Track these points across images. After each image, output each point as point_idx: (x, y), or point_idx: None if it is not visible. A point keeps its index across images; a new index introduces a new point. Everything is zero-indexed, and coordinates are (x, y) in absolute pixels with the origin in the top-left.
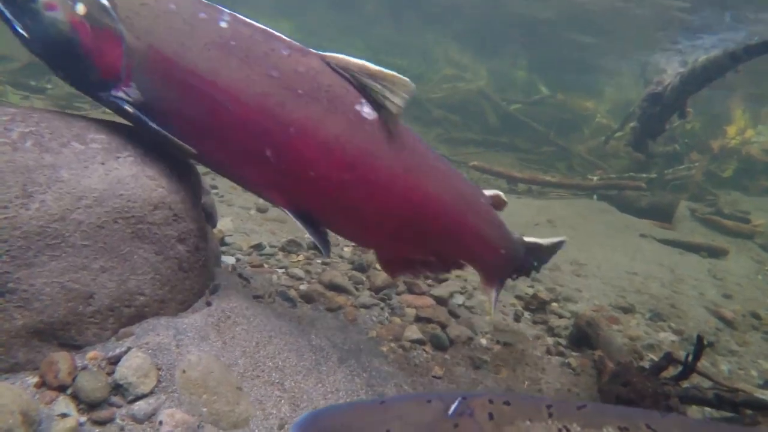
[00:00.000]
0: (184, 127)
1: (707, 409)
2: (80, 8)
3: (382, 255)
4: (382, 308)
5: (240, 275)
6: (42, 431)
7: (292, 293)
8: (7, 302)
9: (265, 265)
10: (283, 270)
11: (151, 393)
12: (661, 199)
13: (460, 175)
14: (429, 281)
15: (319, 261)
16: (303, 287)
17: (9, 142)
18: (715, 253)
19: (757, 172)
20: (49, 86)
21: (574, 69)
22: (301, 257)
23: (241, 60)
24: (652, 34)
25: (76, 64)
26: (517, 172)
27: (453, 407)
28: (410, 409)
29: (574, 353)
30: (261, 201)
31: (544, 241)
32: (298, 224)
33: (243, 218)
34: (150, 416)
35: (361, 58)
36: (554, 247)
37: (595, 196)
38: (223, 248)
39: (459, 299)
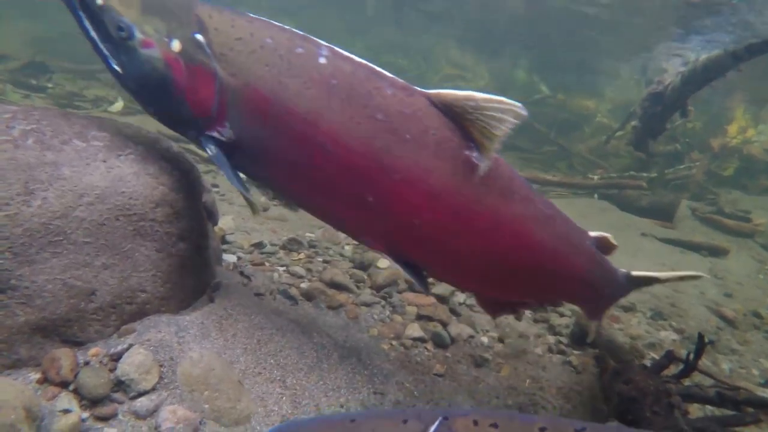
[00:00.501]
0: (278, 169)
1: (708, 407)
2: (175, 45)
3: (483, 298)
4: (383, 306)
5: (241, 273)
6: (44, 427)
7: (294, 291)
8: (9, 299)
9: (267, 264)
10: (284, 268)
11: (153, 389)
12: (662, 198)
13: (565, 219)
14: (430, 279)
15: (320, 259)
16: (304, 285)
17: (10, 139)
18: (716, 252)
19: (758, 172)
20: (49, 85)
21: (574, 69)
22: (302, 255)
23: (343, 100)
24: (655, 33)
25: (168, 101)
26: (518, 172)
27: (432, 429)
28: (383, 430)
29: (575, 352)
30: (263, 198)
31: (662, 275)
32: (397, 266)
33: (244, 217)
34: (152, 412)
35: (363, 58)
36: (680, 280)
37: (596, 195)
38: (225, 246)
39: (460, 297)
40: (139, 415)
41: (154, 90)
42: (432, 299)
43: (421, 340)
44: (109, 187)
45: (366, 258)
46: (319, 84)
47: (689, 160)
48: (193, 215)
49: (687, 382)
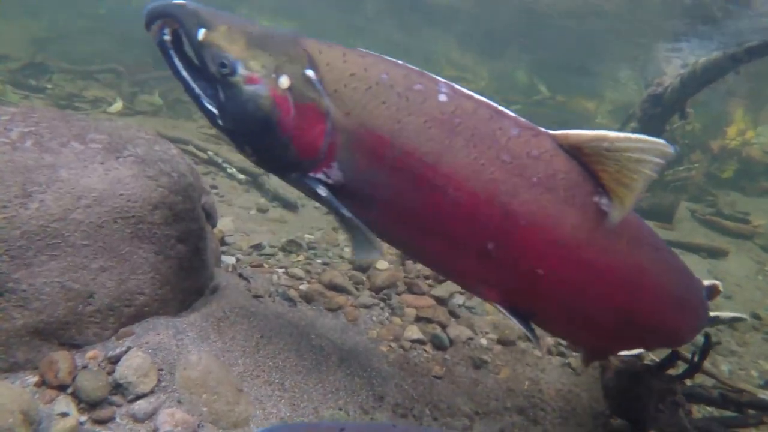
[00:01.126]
0: (388, 213)
1: (708, 408)
2: (284, 81)
3: (593, 351)
4: (382, 308)
5: (240, 275)
6: (42, 430)
7: (292, 293)
8: (6, 302)
9: (265, 265)
10: (283, 270)
11: (151, 392)
12: (661, 199)
13: (686, 268)
14: (429, 281)
15: (319, 261)
16: (303, 287)
17: (9, 141)
18: (715, 253)
19: (757, 174)
20: (49, 86)
21: (574, 70)
22: (301, 257)
23: (467, 141)
24: (656, 33)
25: (271, 142)
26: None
27: None
28: None
29: (574, 353)
30: (262, 200)
31: (724, 315)
32: (509, 316)
33: (243, 218)
34: (150, 415)
35: None
36: (732, 320)
37: None
38: (224, 248)
39: (459, 299)
40: (137, 419)
41: (256, 130)
42: (431, 301)
43: (420, 342)
44: (107, 190)
45: (365, 260)
46: (440, 123)
47: (688, 162)
48: (191, 217)
49: (689, 381)
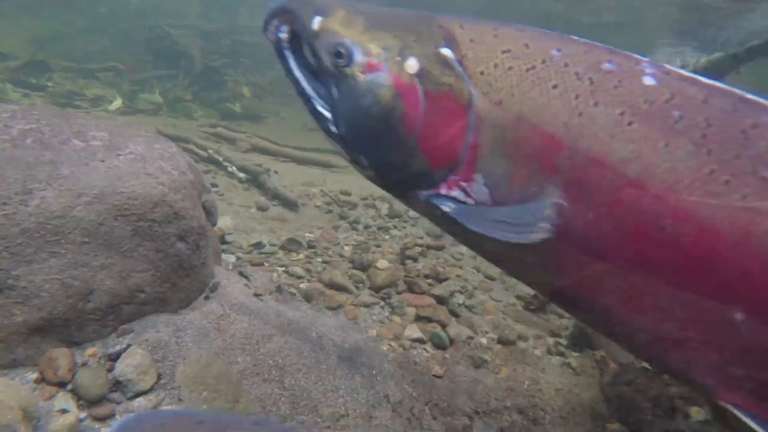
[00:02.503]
0: (565, 258)
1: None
2: (411, 65)
3: None
4: (382, 307)
5: (240, 273)
6: (41, 427)
7: (293, 292)
8: (6, 298)
9: (266, 264)
10: (283, 268)
11: (151, 390)
12: None
13: None
14: (429, 280)
15: (320, 260)
16: (303, 286)
17: (9, 138)
18: None
19: None
20: (49, 84)
21: None
22: (301, 256)
23: (696, 145)
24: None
25: (391, 147)
26: None
27: None
28: None
29: (574, 353)
30: (262, 199)
31: None
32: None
33: (243, 216)
34: None
35: None
36: None
37: None
38: (224, 246)
39: (459, 298)
40: None
41: (372, 132)
42: (431, 300)
43: (420, 341)
44: (108, 187)
45: (365, 259)
46: (648, 117)
47: None
48: (192, 215)
49: None
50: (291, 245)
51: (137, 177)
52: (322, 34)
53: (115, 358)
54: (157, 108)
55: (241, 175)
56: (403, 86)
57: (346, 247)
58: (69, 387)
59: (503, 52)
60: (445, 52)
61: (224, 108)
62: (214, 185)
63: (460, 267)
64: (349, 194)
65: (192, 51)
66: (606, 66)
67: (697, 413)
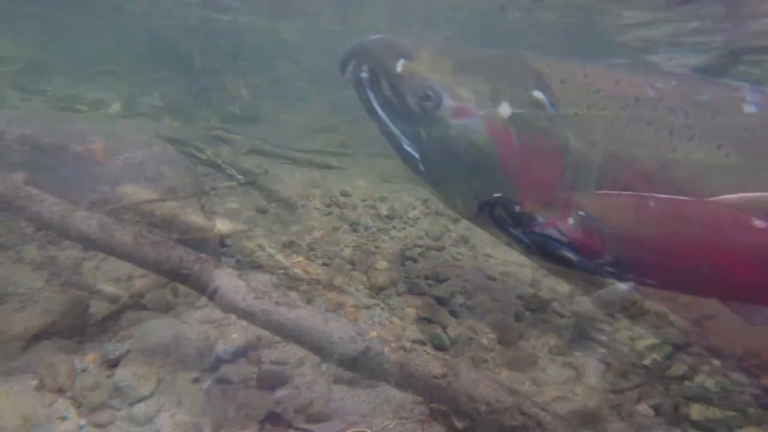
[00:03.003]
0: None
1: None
2: (504, 110)
3: None
4: (382, 308)
5: (239, 276)
6: None
7: (292, 294)
8: (6, 305)
9: (265, 266)
10: (282, 270)
11: (151, 395)
12: None
13: None
14: (429, 281)
15: (319, 262)
16: (303, 288)
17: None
18: None
19: None
20: (48, 88)
21: None
22: (300, 258)
23: None
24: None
25: (488, 189)
26: None
27: None
28: None
29: (576, 353)
30: (261, 201)
31: None
32: None
33: (243, 219)
34: (150, 418)
35: None
36: None
37: None
38: (223, 249)
39: (459, 299)
40: (137, 422)
41: (467, 174)
42: (431, 301)
43: (421, 342)
44: (107, 191)
45: (365, 260)
46: (750, 150)
47: None
48: (191, 218)
49: (688, 383)
50: (291, 247)
51: (137, 181)
52: (406, 77)
53: (115, 363)
54: (157, 111)
55: (240, 177)
56: (497, 131)
57: (345, 249)
58: (69, 394)
59: (595, 92)
60: (538, 95)
61: (223, 110)
62: (214, 188)
63: (460, 267)
64: (348, 196)
65: (192, 53)
66: (702, 98)
67: (698, 413)
